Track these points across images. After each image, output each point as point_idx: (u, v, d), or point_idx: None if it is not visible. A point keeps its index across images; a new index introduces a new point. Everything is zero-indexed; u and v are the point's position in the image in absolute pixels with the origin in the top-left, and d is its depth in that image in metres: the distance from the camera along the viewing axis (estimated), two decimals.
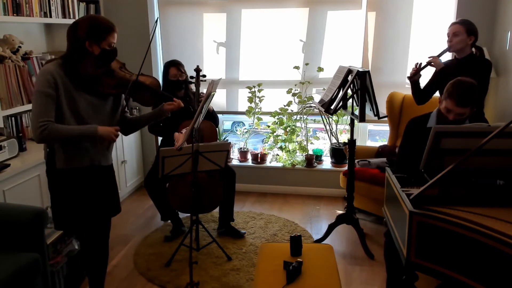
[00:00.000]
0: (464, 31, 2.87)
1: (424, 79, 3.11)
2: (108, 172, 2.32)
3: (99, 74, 2.13)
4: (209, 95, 2.49)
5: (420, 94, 3.12)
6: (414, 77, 3.06)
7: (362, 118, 2.89)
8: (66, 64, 2.06)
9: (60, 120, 2.04)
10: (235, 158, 4.59)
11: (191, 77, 3.24)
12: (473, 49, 2.95)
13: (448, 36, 2.94)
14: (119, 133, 2.20)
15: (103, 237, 2.40)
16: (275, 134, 4.43)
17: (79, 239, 2.35)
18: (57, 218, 2.22)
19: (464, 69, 2.82)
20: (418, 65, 3.02)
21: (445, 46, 2.97)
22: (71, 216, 2.20)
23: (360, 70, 2.82)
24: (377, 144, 4.61)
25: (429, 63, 3.00)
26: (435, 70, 3.01)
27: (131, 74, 2.28)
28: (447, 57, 3.08)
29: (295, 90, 4.29)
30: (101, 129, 2.10)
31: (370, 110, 2.94)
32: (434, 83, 3.05)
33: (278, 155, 4.51)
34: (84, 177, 2.18)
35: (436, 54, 3.02)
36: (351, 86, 2.93)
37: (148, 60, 4.40)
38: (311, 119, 4.43)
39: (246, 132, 4.62)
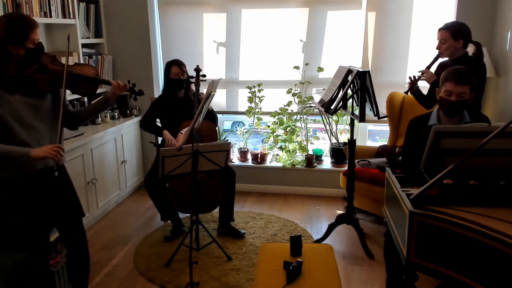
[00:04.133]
0: (450, 36, 2.88)
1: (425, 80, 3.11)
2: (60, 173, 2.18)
3: (30, 72, 2.02)
4: (209, 95, 2.49)
5: (426, 100, 3.12)
6: (412, 90, 3.07)
7: (362, 118, 2.89)
8: None
9: (7, 130, 1.96)
10: (235, 159, 4.59)
11: (191, 77, 3.24)
12: (469, 48, 2.95)
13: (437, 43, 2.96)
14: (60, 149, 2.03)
15: (79, 243, 2.34)
16: (275, 134, 4.43)
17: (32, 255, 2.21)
18: (7, 236, 2.10)
19: None
20: (412, 79, 3.04)
21: (436, 52, 2.99)
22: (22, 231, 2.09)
23: (360, 70, 2.82)
24: (377, 144, 4.61)
25: (420, 77, 3.03)
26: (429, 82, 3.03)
27: (63, 65, 2.13)
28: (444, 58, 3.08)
29: (295, 90, 4.29)
30: (36, 151, 1.97)
31: (370, 110, 2.94)
32: (434, 91, 3.05)
33: (278, 155, 4.51)
34: (33, 182, 2.08)
35: (429, 63, 3.03)
36: (351, 86, 2.93)
37: (148, 60, 4.41)
38: (311, 119, 4.43)
39: (246, 132, 4.62)
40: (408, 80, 3.08)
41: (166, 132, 3.36)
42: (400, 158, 3.43)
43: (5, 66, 1.96)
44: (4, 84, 1.97)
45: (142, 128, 3.63)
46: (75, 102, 3.87)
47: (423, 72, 3.02)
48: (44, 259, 2.23)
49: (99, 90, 2.37)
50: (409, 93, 3.12)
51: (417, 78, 3.04)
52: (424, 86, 3.13)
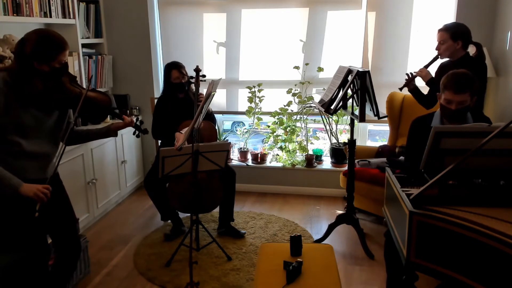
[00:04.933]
0: (449, 37, 2.88)
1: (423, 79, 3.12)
2: (54, 181, 2.18)
3: (48, 89, 2.02)
4: (209, 95, 2.49)
5: (425, 100, 3.12)
6: (409, 87, 3.08)
7: (362, 118, 2.89)
8: (13, 80, 1.94)
9: (7, 139, 1.95)
10: (235, 159, 4.59)
11: (191, 77, 3.24)
12: (469, 49, 2.95)
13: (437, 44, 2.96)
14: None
15: (70, 250, 2.32)
16: (275, 134, 4.43)
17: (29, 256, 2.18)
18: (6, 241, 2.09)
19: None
20: (409, 76, 3.05)
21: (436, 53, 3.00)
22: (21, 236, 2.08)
23: (360, 70, 2.82)
24: (377, 144, 4.61)
25: (417, 75, 3.03)
26: (425, 80, 3.04)
27: (81, 89, 2.13)
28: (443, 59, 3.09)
29: (295, 90, 4.29)
30: (26, 186, 1.91)
31: (370, 110, 2.94)
32: (434, 87, 3.05)
33: (278, 155, 4.51)
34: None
35: (429, 61, 3.05)
36: (351, 86, 2.93)
37: (148, 60, 4.41)
38: (311, 119, 4.43)
39: (246, 132, 4.62)
40: (405, 77, 3.09)
41: (177, 134, 3.33)
42: (401, 158, 3.44)
43: (28, 81, 1.95)
44: (23, 97, 1.96)
45: (155, 138, 3.58)
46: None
47: (420, 71, 3.03)
48: (43, 260, 2.21)
49: None
50: (403, 89, 3.13)
51: (414, 75, 3.04)
52: (424, 86, 3.14)
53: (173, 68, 3.37)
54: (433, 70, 3.10)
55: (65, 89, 2.07)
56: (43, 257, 2.21)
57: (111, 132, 2.32)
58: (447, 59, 3.03)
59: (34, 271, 2.18)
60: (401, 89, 3.13)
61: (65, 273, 2.38)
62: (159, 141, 3.59)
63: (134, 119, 2.36)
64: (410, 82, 3.07)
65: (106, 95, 2.25)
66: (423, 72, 3.02)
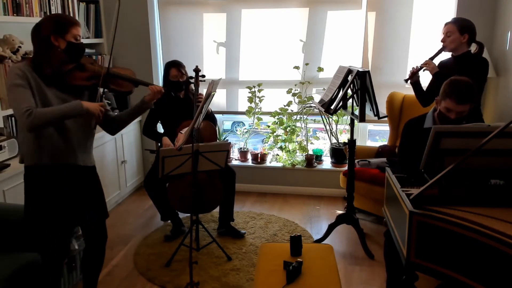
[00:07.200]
0: (457, 30, 2.88)
1: (425, 79, 3.11)
2: (89, 174, 2.29)
3: (70, 69, 2.13)
4: (209, 95, 2.49)
5: (424, 96, 3.12)
6: (413, 79, 3.06)
7: (362, 118, 2.89)
8: (34, 62, 2.05)
9: None
10: (235, 159, 4.59)
11: (191, 77, 3.24)
12: (472, 46, 2.95)
13: (442, 36, 2.95)
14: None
15: (97, 241, 2.38)
16: (275, 134, 4.43)
17: (42, 250, 2.26)
18: (31, 224, 2.16)
19: (461, 67, 2.83)
20: (414, 68, 3.04)
21: (441, 45, 2.99)
22: (46, 222, 2.15)
23: (360, 70, 2.82)
24: (377, 144, 4.61)
25: (423, 67, 3.02)
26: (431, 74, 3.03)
27: (102, 67, 2.24)
28: (446, 55, 3.08)
29: (295, 90, 4.29)
30: (87, 103, 2.07)
31: (370, 110, 2.94)
32: (434, 84, 3.05)
33: (278, 155, 4.51)
34: (69, 176, 2.16)
35: (432, 54, 3.02)
36: (351, 86, 2.93)
37: (148, 60, 4.41)
38: (311, 119, 4.43)
39: (246, 132, 4.62)
40: (411, 69, 3.07)
41: (165, 138, 3.36)
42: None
43: (48, 59, 2.05)
44: (44, 76, 2.05)
45: (144, 135, 3.61)
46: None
47: (426, 63, 3.01)
48: (59, 258, 2.28)
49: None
50: (409, 81, 3.11)
51: (419, 67, 3.03)
52: (423, 86, 3.14)
53: (172, 66, 3.38)
54: (436, 62, 3.08)
55: (87, 68, 2.18)
56: (60, 256, 2.28)
57: (146, 104, 2.35)
58: (448, 56, 3.04)
59: (49, 269, 2.24)
60: (406, 80, 3.11)
61: (97, 260, 2.44)
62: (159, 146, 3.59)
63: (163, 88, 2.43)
64: (415, 74, 3.06)
65: (128, 68, 2.37)
66: (430, 65, 2.99)
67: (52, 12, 3.48)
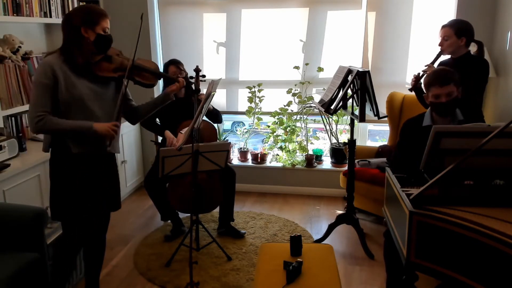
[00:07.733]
0: (453, 33, 2.87)
1: None
2: (112, 161, 2.38)
3: (98, 60, 2.19)
4: (209, 95, 2.49)
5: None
6: (415, 87, 3.06)
7: (362, 118, 2.89)
8: (64, 53, 2.11)
9: (57, 107, 2.09)
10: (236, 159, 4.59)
11: (191, 77, 3.24)
12: (472, 46, 2.95)
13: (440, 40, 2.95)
14: (119, 125, 2.22)
15: (100, 231, 2.44)
16: (275, 134, 4.43)
17: (66, 231, 2.33)
18: (57, 208, 2.23)
19: (461, 68, 2.82)
20: (416, 76, 3.03)
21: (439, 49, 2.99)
22: (71, 206, 2.21)
23: (360, 70, 2.82)
24: (377, 144, 4.61)
25: (424, 73, 3.01)
26: None
27: (128, 59, 2.33)
28: (446, 55, 3.08)
29: (295, 90, 4.29)
30: (97, 125, 2.13)
31: (370, 110, 2.94)
32: None
33: (278, 155, 4.51)
34: (94, 162, 2.23)
35: (432, 59, 3.02)
36: (351, 86, 2.93)
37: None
38: (311, 119, 4.43)
39: (246, 132, 4.62)
40: (412, 78, 3.07)
41: (168, 132, 3.36)
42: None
43: (80, 49, 2.12)
44: (73, 65, 2.12)
45: (143, 126, 3.62)
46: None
47: (427, 67, 3.01)
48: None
49: None
50: (413, 90, 3.11)
51: (421, 75, 3.03)
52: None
53: (171, 64, 3.41)
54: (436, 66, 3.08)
55: (114, 60, 2.27)
56: (79, 244, 2.37)
57: (168, 96, 2.44)
58: (448, 57, 3.03)
59: (65, 258, 2.34)
60: (410, 90, 3.11)
61: (98, 251, 2.48)
62: (160, 140, 3.59)
63: (184, 79, 2.53)
64: (417, 82, 3.06)
65: (152, 61, 2.46)
66: (432, 70, 2.99)
67: (52, 12, 3.49)
